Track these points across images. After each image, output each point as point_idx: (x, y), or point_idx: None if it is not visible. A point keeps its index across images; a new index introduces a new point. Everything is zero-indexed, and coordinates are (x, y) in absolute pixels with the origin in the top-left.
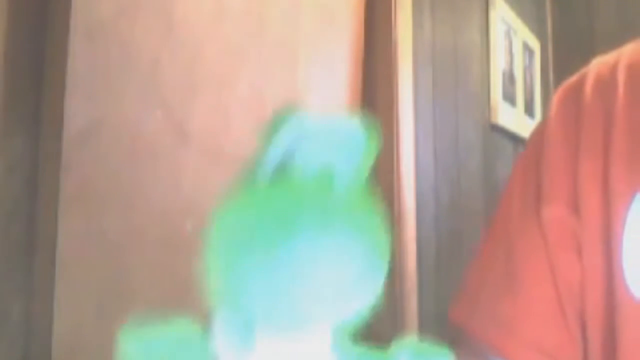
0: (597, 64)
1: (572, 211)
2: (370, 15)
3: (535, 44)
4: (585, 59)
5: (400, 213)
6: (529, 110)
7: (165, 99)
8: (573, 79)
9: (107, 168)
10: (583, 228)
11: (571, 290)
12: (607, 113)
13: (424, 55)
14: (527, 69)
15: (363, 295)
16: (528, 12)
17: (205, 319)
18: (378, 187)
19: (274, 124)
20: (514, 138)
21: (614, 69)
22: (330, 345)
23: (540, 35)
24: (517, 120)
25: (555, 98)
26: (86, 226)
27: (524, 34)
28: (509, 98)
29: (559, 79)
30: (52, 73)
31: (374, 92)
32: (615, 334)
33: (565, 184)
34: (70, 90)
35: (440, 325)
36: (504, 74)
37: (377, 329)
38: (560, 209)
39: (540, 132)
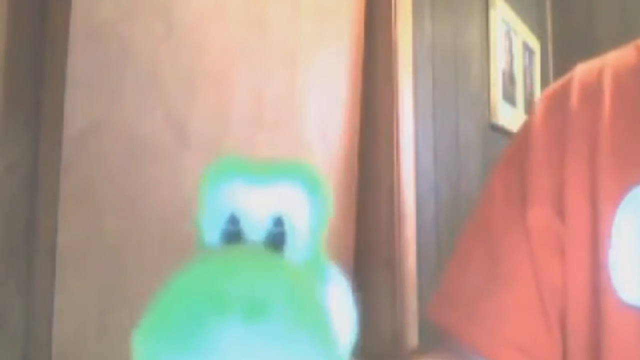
0: (582, 71)
1: (556, 215)
2: (370, 15)
3: (535, 44)
4: (585, 59)
5: (400, 213)
6: (529, 110)
7: (165, 99)
8: (558, 84)
9: (107, 168)
10: (568, 231)
11: (553, 292)
12: (594, 120)
13: (424, 55)
14: (527, 69)
15: None
16: (528, 12)
17: None
18: (378, 189)
19: (214, 179)
20: None
21: (599, 76)
22: None
23: (540, 35)
24: (517, 121)
25: (541, 103)
26: (86, 226)
27: (524, 34)
28: (509, 98)
29: (559, 79)
30: (52, 73)
31: (374, 92)
32: (601, 336)
33: (551, 189)
34: (70, 90)
35: None
36: (504, 74)
37: (377, 329)
38: (545, 212)
39: (524, 136)
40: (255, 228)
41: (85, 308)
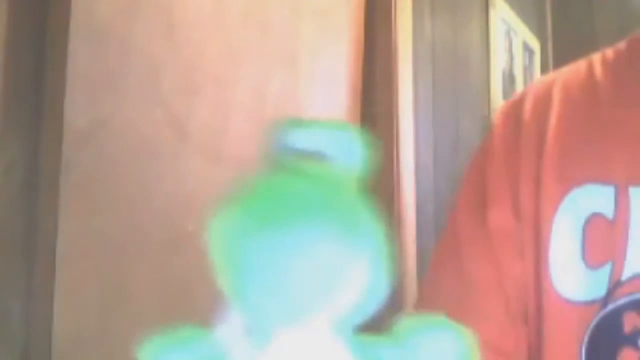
0: (536, 84)
1: (514, 214)
2: (371, 15)
3: (535, 44)
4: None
5: (400, 213)
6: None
7: (165, 99)
8: (514, 98)
9: (107, 168)
10: (524, 230)
11: (517, 292)
12: (542, 126)
13: (424, 55)
14: (527, 69)
15: (361, 286)
16: (528, 12)
17: (205, 319)
18: (377, 189)
19: (276, 129)
20: None
21: (550, 87)
22: (333, 336)
23: (540, 35)
24: None
25: (497, 117)
26: (86, 226)
27: (524, 34)
28: (509, 98)
29: None
30: (52, 73)
31: (374, 92)
32: (542, 332)
33: (508, 190)
34: (70, 90)
35: None
36: (504, 74)
37: (377, 329)
38: (503, 212)
39: (484, 147)
40: None
41: (85, 308)
